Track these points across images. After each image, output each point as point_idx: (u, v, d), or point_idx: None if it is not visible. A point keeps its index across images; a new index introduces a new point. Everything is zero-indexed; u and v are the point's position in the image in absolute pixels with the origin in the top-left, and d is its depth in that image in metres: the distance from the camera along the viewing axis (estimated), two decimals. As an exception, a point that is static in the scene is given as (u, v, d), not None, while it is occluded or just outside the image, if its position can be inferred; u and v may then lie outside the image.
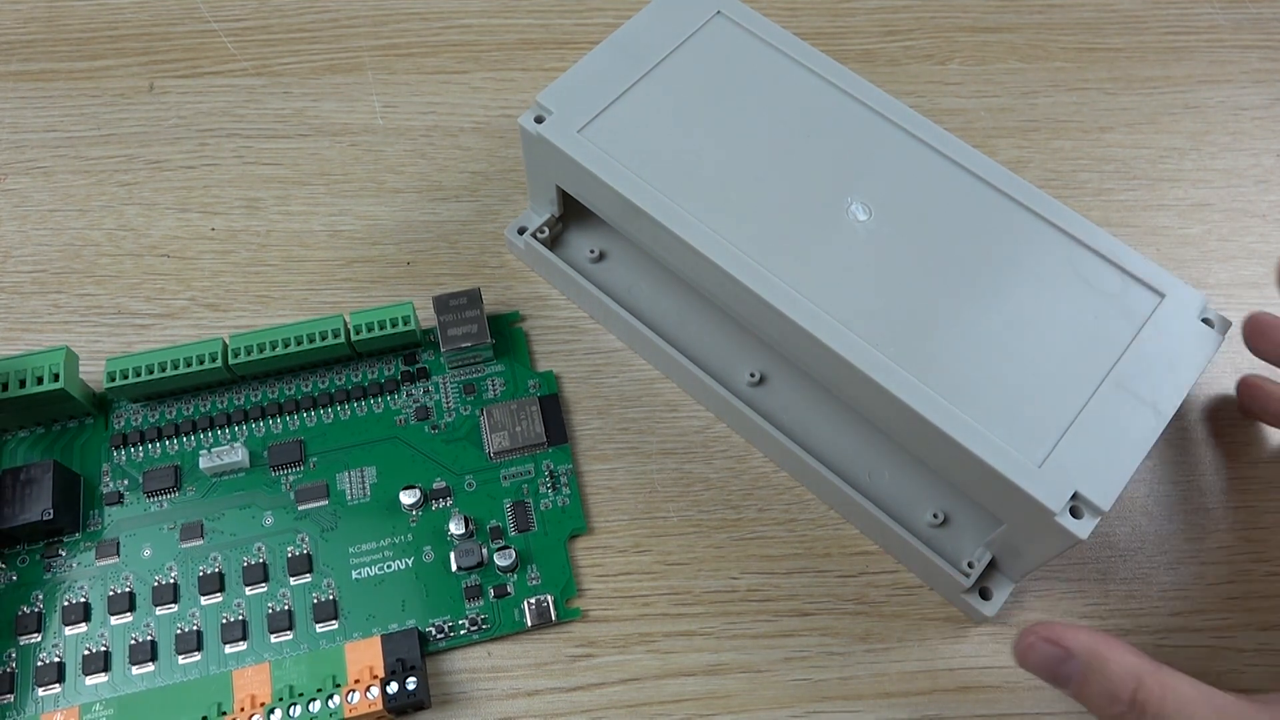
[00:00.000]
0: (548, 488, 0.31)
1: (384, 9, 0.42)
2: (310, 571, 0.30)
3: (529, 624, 0.29)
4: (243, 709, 0.27)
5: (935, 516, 0.30)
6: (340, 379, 0.33)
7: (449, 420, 0.32)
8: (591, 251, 0.35)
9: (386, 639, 0.28)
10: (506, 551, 0.30)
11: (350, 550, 0.30)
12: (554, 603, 0.29)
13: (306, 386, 0.33)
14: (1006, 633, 0.30)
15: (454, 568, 0.30)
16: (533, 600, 0.29)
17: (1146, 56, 0.42)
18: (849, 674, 0.29)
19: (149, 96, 0.39)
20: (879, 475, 0.31)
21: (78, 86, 0.40)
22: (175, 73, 0.40)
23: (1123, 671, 0.24)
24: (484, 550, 0.30)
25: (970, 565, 0.29)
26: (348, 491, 0.31)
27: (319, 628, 0.29)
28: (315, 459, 0.31)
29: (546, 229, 0.34)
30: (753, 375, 0.32)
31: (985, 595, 0.29)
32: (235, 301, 0.35)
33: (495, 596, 0.29)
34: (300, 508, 0.31)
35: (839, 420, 0.32)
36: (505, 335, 0.34)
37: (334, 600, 0.29)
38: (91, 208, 0.37)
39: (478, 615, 0.29)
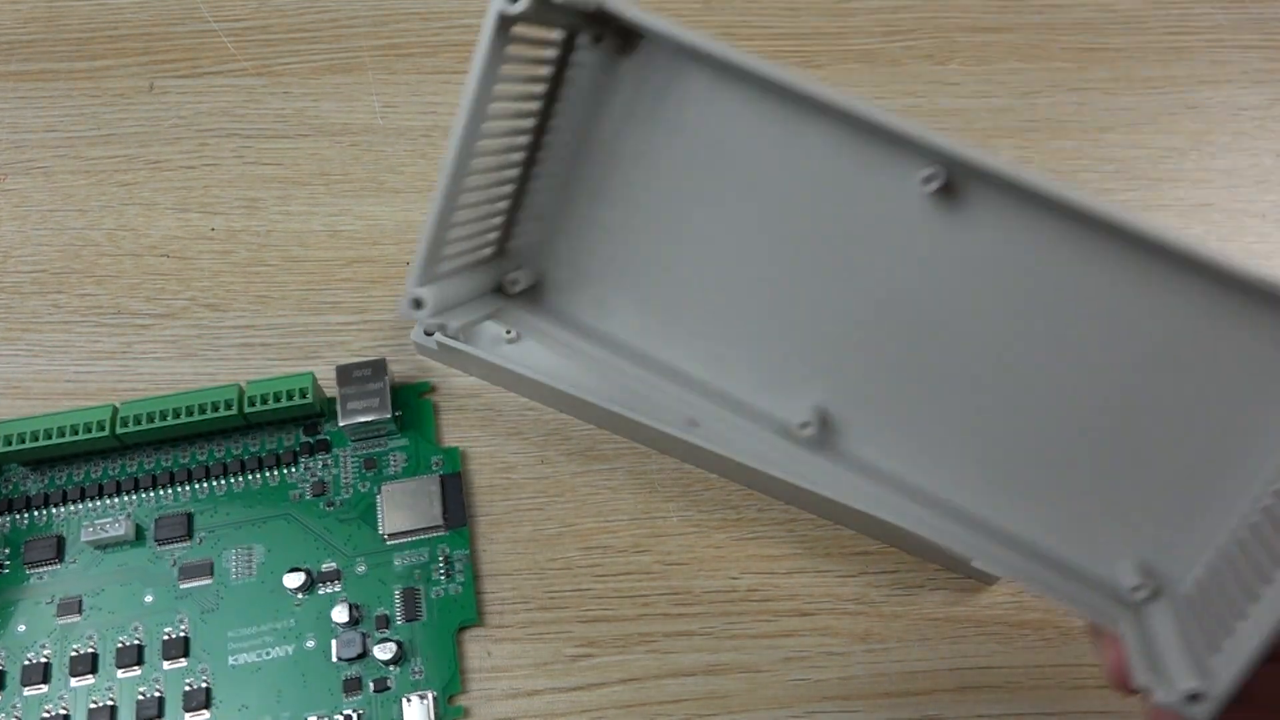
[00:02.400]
0: (440, 574, 0.30)
1: (384, 9, 0.42)
2: (186, 656, 0.28)
3: None
4: None
5: None
6: (237, 448, 0.31)
7: (345, 497, 0.31)
8: (509, 332, 0.32)
9: None
10: (387, 645, 0.28)
11: (229, 634, 0.29)
12: (435, 701, 0.28)
13: (202, 455, 0.31)
14: (1007, 633, 0.30)
15: (334, 658, 0.28)
16: (413, 696, 0.28)
17: (1147, 56, 0.42)
18: (849, 674, 0.29)
19: (149, 96, 0.39)
20: None
21: (78, 86, 0.40)
22: (175, 73, 0.40)
23: None
24: (367, 640, 0.29)
25: None
26: (233, 570, 0.30)
27: (189, 718, 0.28)
28: (204, 534, 0.30)
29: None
30: None
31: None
32: (235, 301, 0.35)
33: (375, 690, 0.28)
34: (182, 585, 0.29)
35: None
36: (413, 407, 0.32)
37: (207, 688, 0.28)
38: (91, 208, 0.37)
39: (355, 710, 0.28)
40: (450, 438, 0.32)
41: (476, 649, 0.29)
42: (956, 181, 0.22)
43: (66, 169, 0.38)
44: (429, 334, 0.33)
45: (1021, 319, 0.22)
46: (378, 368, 0.31)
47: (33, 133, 0.38)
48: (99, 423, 0.30)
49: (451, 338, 0.32)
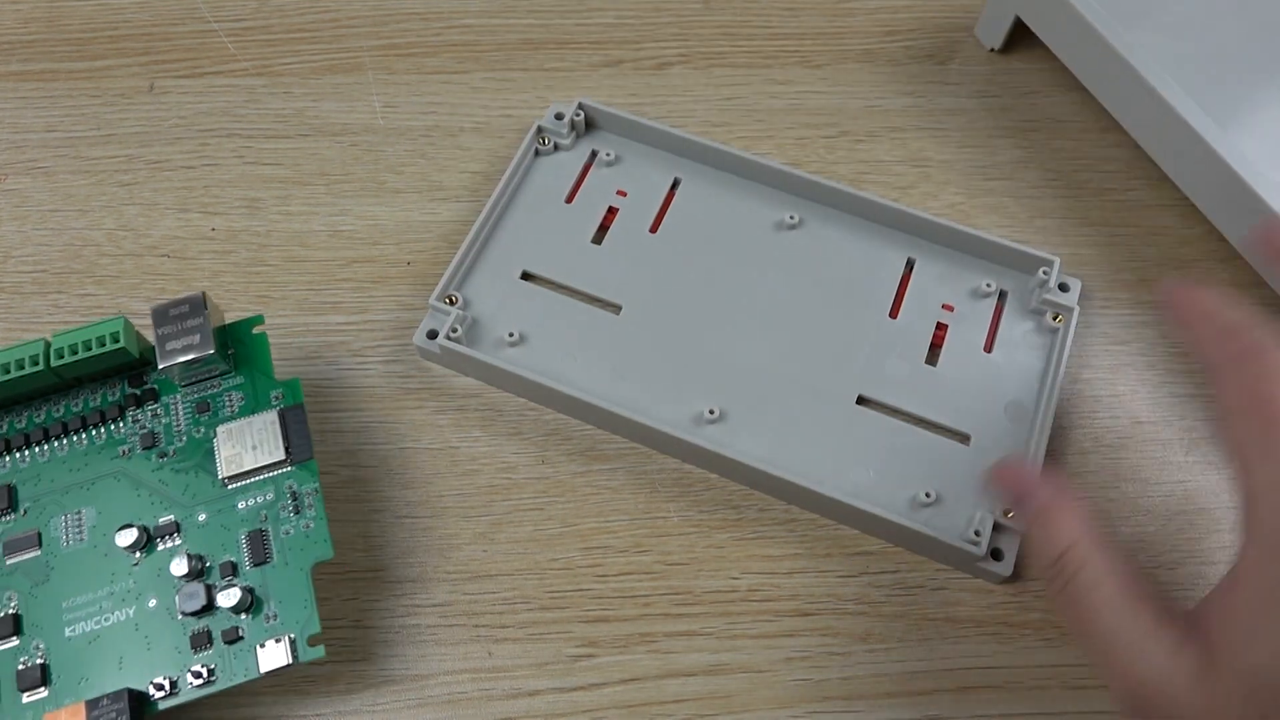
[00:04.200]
0: (289, 512, 0.28)
1: (384, 9, 0.42)
2: (17, 634, 0.26)
3: (263, 670, 0.26)
4: None
5: (927, 496, 0.30)
6: (58, 409, 0.29)
7: (179, 445, 0.29)
8: (510, 335, 0.33)
9: (91, 705, 0.25)
10: (230, 591, 0.26)
11: (64, 605, 0.27)
12: (292, 643, 0.26)
13: (20, 422, 0.29)
14: (1007, 633, 0.30)
15: (178, 614, 0.27)
16: (268, 642, 0.26)
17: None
18: (849, 674, 0.29)
19: (149, 96, 0.39)
20: (863, 474, 0.31)
21: (78, 86, 0.40)
22: (175, 73, 0.40)
23: (1066, 530, 0.24)
24: (212, 591, 0.27)
25: (977, 534, 0.29)
26: (62, 538, 0.28)
27: (25, 698, 0.26)
28: (28, 505, 0.28)
29: (458, 326, 0.32)
30: (711, 412, 0.32)
31: (997, 556, 0.30)
32: (235, 301, 0.35)
33: (226, 642, 0.26)
34: (8, 562, 0.27)
35: (806, 433, 0.32)
36: (246, 343, 0.30)
37: (43, 665, 0.26)
38: (91, 208, 0.37)
39: (205, 665, 0.26)
40: (460, 437, 0.32)
41: (477, 649, 0.29)
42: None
43: (66, 169, 0.38)
44: (432, 336, 0.33)
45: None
46: (195, 304, 0.29)
47: (33, 133, 0.38)
48: None
49: (454, 340, 0.32)
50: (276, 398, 0.30)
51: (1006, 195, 0.38)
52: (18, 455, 0.29)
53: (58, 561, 0.28)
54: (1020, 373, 0.33)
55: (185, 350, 0.28)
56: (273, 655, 0.26)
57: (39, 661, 0.26)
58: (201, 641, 0.26)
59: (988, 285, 0.34)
